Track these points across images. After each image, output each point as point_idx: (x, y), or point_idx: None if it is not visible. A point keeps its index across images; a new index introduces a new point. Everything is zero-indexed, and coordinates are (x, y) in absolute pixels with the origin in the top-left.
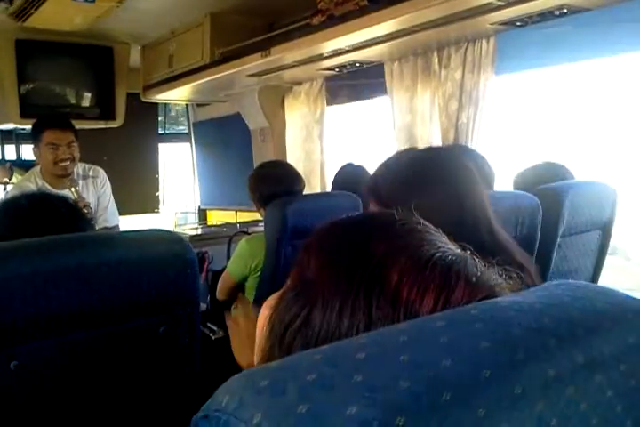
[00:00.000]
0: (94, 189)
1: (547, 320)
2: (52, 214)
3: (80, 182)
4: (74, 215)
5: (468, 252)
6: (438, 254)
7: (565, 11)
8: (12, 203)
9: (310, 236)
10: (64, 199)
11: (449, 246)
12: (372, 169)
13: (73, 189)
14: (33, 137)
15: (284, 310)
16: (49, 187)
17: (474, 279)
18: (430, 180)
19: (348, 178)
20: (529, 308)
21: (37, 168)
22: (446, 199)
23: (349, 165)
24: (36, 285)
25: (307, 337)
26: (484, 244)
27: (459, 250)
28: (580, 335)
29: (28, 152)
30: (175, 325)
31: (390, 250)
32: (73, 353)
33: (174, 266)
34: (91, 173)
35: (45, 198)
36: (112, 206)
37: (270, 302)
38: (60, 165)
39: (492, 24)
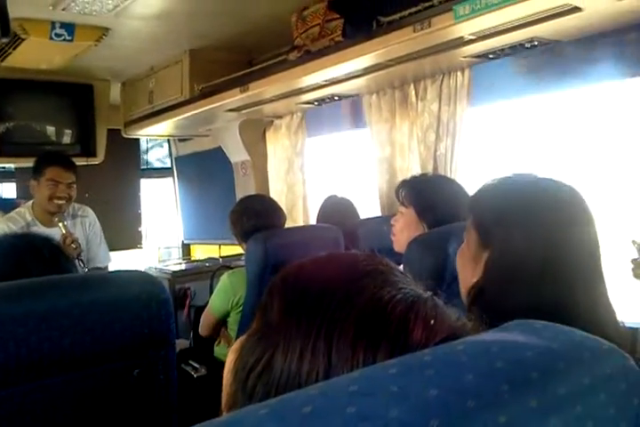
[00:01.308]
0: (82, 229)
1: (500, 364)
2: (34, 257)
3: (69, 221)
4: (57, 258)
5: (430, 293)
6: (399, 296)
7: (536, 43)
8: None
9: (275, 278)
10: (48, 241)
11: (411, 287)
12: (355, 201)
13: (61, 224)
14: (35, 171)
15: (246, 354)
16: (38, 223)
17: (432, 321)
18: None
19: (334, 210)
20: (484, 351)
21: (29, 203)
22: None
23: (334, 196)
24: (7, 330)
25: (268, 383)
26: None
27: (421, 291)
28: (535, 379)
29: (7, 190)
30: (150, 367)
31: (351, 292)
32: (46, 399)
33: (148, 307)
34: (80, 213)
35: (29, 240)
36: (103, 245)
37: (235, 345)
38: (56, 202)
39: (465, 57)
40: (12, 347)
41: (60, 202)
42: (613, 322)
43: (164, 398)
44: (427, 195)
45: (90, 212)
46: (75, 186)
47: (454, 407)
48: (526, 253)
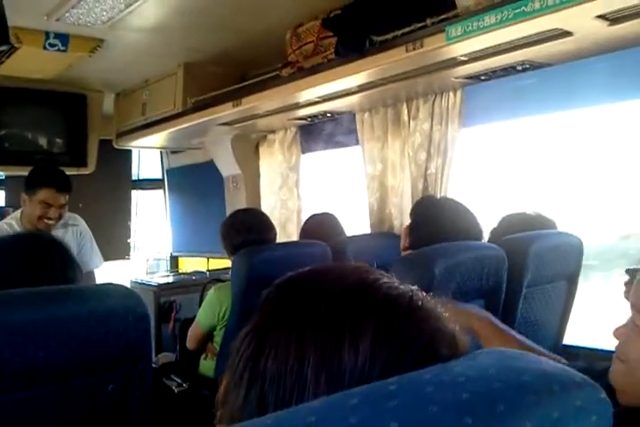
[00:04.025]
0: (74, 237)
1: (466, 396)
2: (45, 266)
3: (60, 230)
4: (66, 267)
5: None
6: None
7: (527, 66)
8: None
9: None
10: (60, 248)
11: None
12: (345, 217)
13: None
14: (28, 186)
15: (239, 342)
16: None
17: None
18: None
19: (318, 226)
20: (450, 382)
21: (17, 213)
22: None
23: (316, 215)
24: None
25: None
26: None
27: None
28: (501, 412)
29: None
30: (125, 382)
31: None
32: (17, 413)
33: (125, 321)
34: (70, 222)
35: (42, 246)
36: (95, 249)
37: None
38: (46, 221)
39: (457, 78)
40: None
41: (50, 222)
42: None
43: (138, 413)
44: (419, 212)
45: (80, 220)
46: (66, 206)
47: (451, 423)
48: None
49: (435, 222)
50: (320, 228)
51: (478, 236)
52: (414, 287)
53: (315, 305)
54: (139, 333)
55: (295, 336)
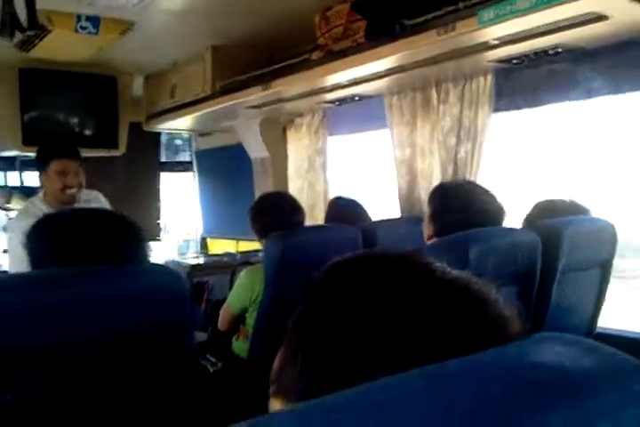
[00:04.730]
0: None
1: (527, 381)
2: (122, 240)
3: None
4: (141, 240)
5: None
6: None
7: (560, 50)
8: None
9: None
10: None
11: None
12: (370, 201)
13: None
14: (39, 164)
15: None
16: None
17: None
18: None
19: (342, 212)
20: (513, 364)
21: (40, 194)
22: None
23: (340, 198)
24: (27, 320)
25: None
26: None
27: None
28: (561, 396)
29: (30, 178)
30: (168, 359)
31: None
32: (64, 389)
33: (165, 299)
34: (92, 198)
35: (123, 225)
36: None
37: None
38: (68, 192)
39: (488, 62)
40: (34, 336)
41: (72, 191)
42: None
43: (180, 390)
44: (438, 200)
45: (102, 197)
46: (82, 171)
47: (484, 422)
48: None
49: (456, 207)
50: (344, 213)
51: (499, 214)
52: (468, 273)
53: (371, 286)
54: (180, 310)
55: (350, 316)
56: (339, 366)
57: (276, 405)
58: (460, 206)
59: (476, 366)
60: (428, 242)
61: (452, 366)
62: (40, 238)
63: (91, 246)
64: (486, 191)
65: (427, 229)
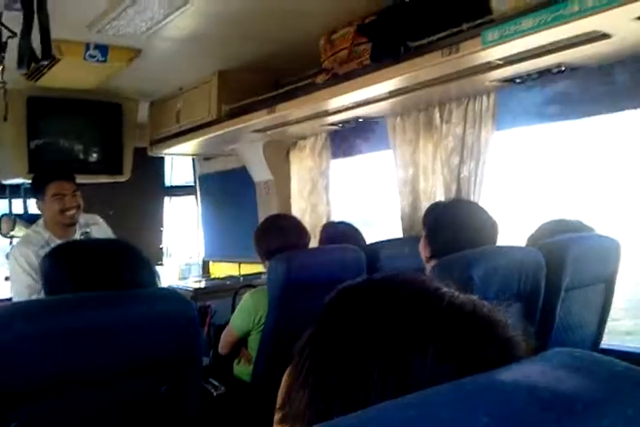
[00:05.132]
0: (99, 235)
1: (546, 395)
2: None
3: (92, 230)
4: (146, 268)
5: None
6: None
7: (563, 69)
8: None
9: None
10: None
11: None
12: (374, 221)
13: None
14: (36, 192)
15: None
16: (55, 239)
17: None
18: None
19: (336, 235)
20: (527, 380)
21: (40, 222)
22: None
23: (333, 222)
24: (39, 346)
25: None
26: None
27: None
28: (579, 411)
29: (34, 206)
30: (177, 384)
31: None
32: (74, 414)
33: (176, 324)
34: (91, 222)
35: (129, 255)
36: None
37: None
38: (67, 213)
39: (491, 81)
40: (45, 362)
41: (72, 212)
42: None
43: (188, 414)
44: (431, 221)
45: (99, 219)
46: (79, 193)
47: None
48: None
49: (450, 227)
50: (338, 237)
51: (493, 230)
52: (476, 297)
53: (379, 310)
54: (189, 335)
55: (361, 340)
56: (351, 389)
57: None
58: (452, 225)
59: (491, 383)
60: (427, 264)
61: (467, 384)
62: (56, 267)
63: (103, 275)
64: (479, 208)
65: (423, 250)
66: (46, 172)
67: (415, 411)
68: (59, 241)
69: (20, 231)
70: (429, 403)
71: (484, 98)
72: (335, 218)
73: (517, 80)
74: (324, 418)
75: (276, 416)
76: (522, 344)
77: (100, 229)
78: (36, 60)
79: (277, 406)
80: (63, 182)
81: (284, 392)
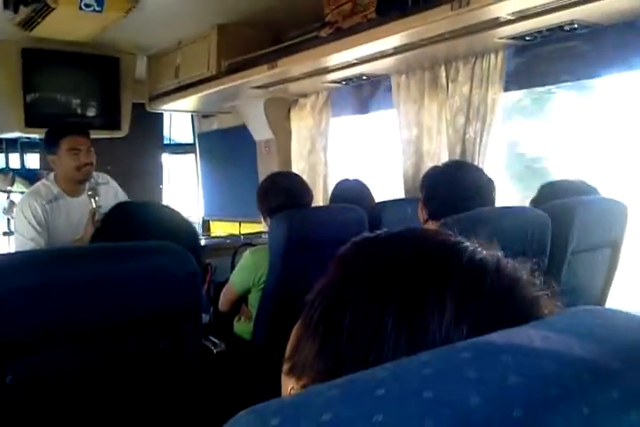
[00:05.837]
0: (112, 195)
1: (580, 352)
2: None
3: (101, 189)
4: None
5: None
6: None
7: (575, 26)
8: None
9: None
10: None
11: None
12: (372, 183)
13: (93, 200)
14: (50, 145)
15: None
16: (65, 195)
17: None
18: None
19: (348, 193)
20: (558, 338)
21: (51, 177)
22: None
23: (347, 180)
24: (36, 298)
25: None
26: None
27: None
28: (617, 369)
29: (31, 161)
30: (176, 339)
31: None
32: (70, 367)
33: (177, 279)
34: (101, 181)
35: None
36: None
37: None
38: (83, 170)
39: (500, 38)
40: (42, 314)
41: (87, 168)
42: None
43: (187, 371)
44: (428, 183)
45: (109, 178)
46: (93, 150)
47: (537, 396)
48: None
49: (446, 186)
50: (350, 193)
51: (490, 188)
52: (498, 253)
53: (398, 261)
54: (189, 290)
55: (376, 291)
56: (362, 341)
57: (289, 383)
58: (448, 185)
59: (519, 340)
60: (425, 225)
61: (494, 340)
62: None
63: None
64: (475, 167)
65: (421, 213)
66: (61, 126)
67: (437, 368)
68: (67, 197)
69: (19, 187)
70: (452, 360)
71: (492, 56)
72: (332, 178)
73: (527, 38)
74: (332, 371)
75: (285, 366)
76: (546, 302)
77: (108, 188)
78: (24, 1)
79: (286, 355)
80: (78, 137)
81: (294, 343)
